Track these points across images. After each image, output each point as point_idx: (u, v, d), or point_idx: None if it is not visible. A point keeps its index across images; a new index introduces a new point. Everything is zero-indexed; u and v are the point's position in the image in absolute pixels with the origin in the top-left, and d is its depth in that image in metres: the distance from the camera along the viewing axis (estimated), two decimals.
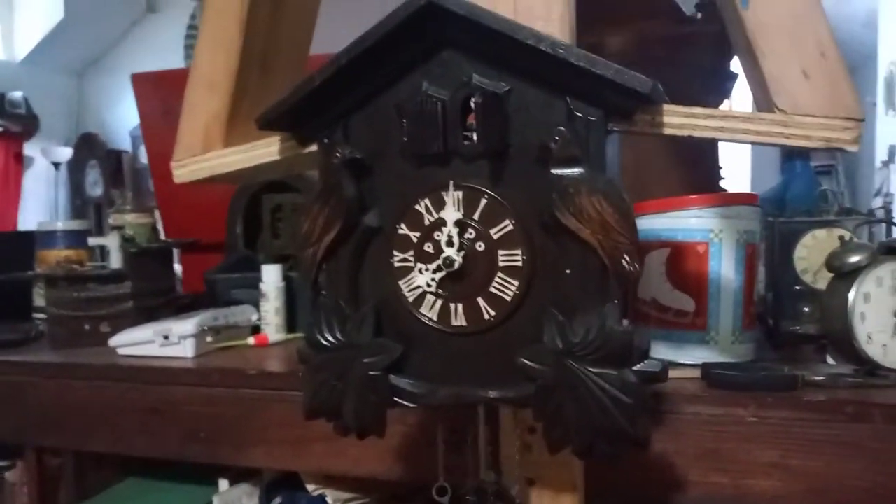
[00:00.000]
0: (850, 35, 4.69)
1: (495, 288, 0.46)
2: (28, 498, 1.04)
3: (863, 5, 4.45)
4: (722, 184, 1.10)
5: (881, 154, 4.37)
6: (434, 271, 0.47)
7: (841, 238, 0.78)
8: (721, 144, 1.06)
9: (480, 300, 0.47)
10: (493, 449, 0.59)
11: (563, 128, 0.42)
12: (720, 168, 1.08)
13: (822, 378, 0.69)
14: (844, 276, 0.73)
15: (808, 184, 1.02)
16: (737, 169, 4.74)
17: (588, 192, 0.41)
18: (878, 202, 4.24)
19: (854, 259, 0.72)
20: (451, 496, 0.58)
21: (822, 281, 0.80)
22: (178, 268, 1.46)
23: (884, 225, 0.94)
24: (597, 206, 0.41)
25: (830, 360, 0.78)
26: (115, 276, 1.06)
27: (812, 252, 0.85)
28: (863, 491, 0.63)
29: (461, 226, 0.46)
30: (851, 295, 0.71)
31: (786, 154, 1.07)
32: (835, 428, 0.64)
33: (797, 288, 0.86)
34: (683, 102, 0.44)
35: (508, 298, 0.46)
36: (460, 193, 0.46)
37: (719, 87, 1.01)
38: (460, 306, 0.47)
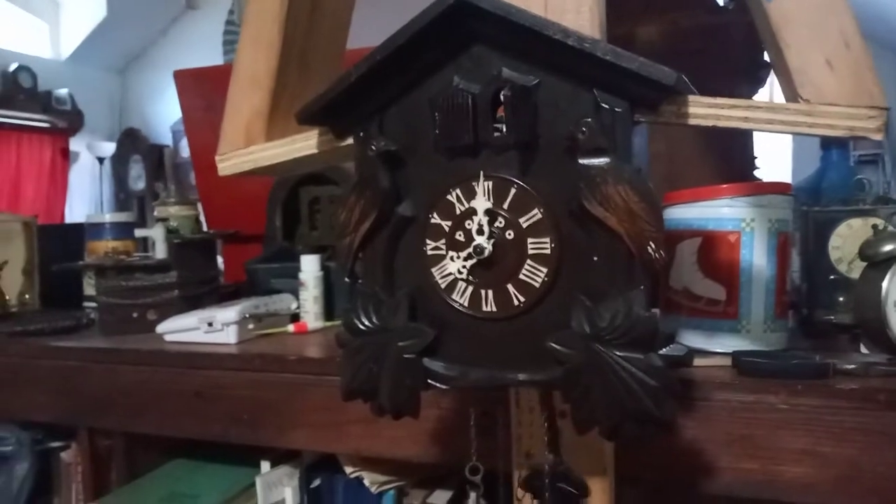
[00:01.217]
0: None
1: (524, 275, 0.48)
2: (82, 476, 1.09)
3: None
4: (757, 173, 1.09)
5: None
6: (465, 259, 0.48)
7: (874, 227, 0.78)
8: (760, 133, 1.05)
9: (510, 286, 0.48)
10: (553, 432, 0.60)
11: (590, 119, 0.43)
12: (754, 157, 1.07)
13: (854, 366, 0.68)
14: (878, 264, 0.72)
15: (845, 172, 1.01)
16: (778, 157, 4.65)
17: (614, 181, 0.43)
18: None
19: (887, 248, 0.71)
20: (482, 475, 0.59)
21: (857, 270, 0.80)
22: (219, 258, 1.51)
23: None
24: (623, 194, 0.43)
25: (864, 350, 0.78)
26: (161, 266, 1.10)
27: (847, 241, 0.84)
28: (894, 479, 0.63)
29: (491, 215, 0.48)
30: (885, 284, 0.71)
31: (823, 142, 1.05)
32: (866, 416, 0.64)
33: (832, 277, 0.86)
34: (717, 92, 0.44)
35: (537, 285, 0.48)
36: (490, 183, 0.47)
37: (753, 76, 1.00)
38: (490, 292, 0.49)
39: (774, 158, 4.59)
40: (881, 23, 4.55)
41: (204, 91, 1.43)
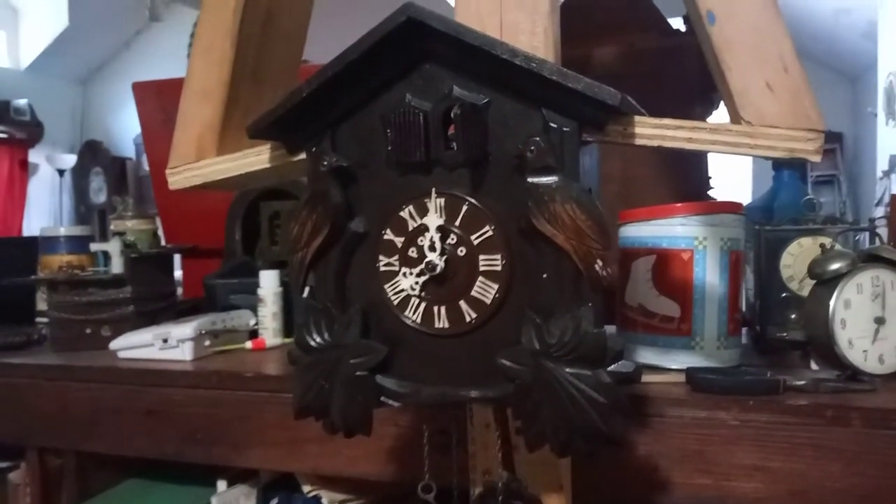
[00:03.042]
0: (851, 46, 4.71)
1: (476, 291, 0.48)
2: (31, 498, 1.06)
3: (863, 17, 4.48)
4: (712, 193, 1.11)
5: (882, 164, 4.38)
6: (417, 275, 0.48)
7: (822, 246, 0.80)
8: (718, 154, 1.07)
9: (462, 303, 0.48)
10: (506, 449, 0.60)
11: (538, 138, 0.44)
12: (709, 177, 1.09)
13: (803, 383, 0.70)
14: (826, 282, 0.74)
15: (796, 192, 1.03)
16: (738, 178, 4.77)
17: (562, 199, 0.43)
18: (879, 212, 4.25)
19: (835, 266, 0.73)
20: (435, 494, 0.59)
21: (808, 288, 0.81)
22: (178, 273, 1.48)
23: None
24: (570, 212, 0.43)
25: (814, 366, 0.79)
26: (116, 281, 1.08)
27: (798, 260, 0.86)
28: (841, 492, 0.64)
29: (443, 231, 0.48)
30: (832, 302, 0.72)
31: (775, 163, 1.08)
32: (815, 431, 0.65)
33: (784, 295, 0.88)
34: (671, 114, 0.45)
35: (488, 301, 0.48)
36: (442, 200, 0.48)
37: (707, 98, 1.03)
38: (443, 309, 0.49)
39: (735, 179, 4.70)
40: (835, 51, 4.72)
41: (163, 103, 1.41)
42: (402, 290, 0.50)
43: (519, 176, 0.45)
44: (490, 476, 0.62)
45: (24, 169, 5.74)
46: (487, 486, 0.60)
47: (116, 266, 1.12)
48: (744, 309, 0.91)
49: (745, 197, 1.02)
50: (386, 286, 0.50)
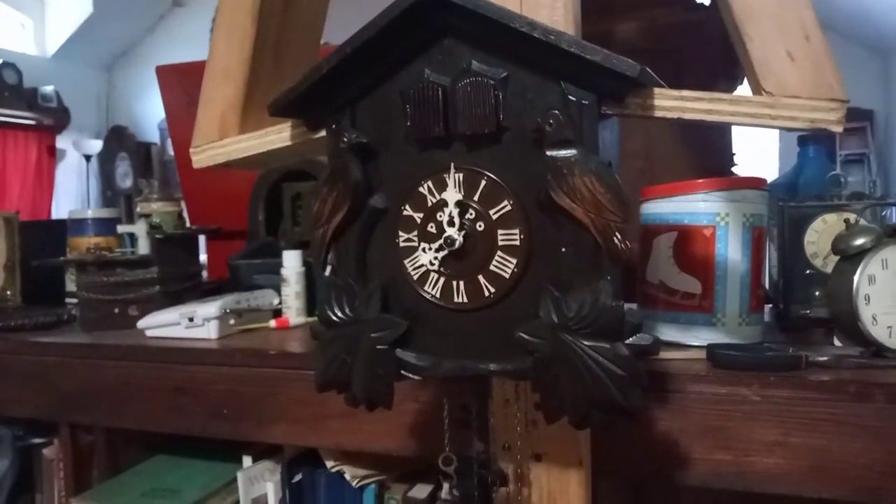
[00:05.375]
0: (883, 20, 4.59)
1: (495, 266, 0.48)
2: (64, 472, 1.09)
3: None
4: (736, 169, 1.10)
5: None
6: (437, 250, 0.49)
7: (847, 221, 0.79)
8: (745, 131, 1.06)
9: (481, 278, 0.49)
10: (482, 421, 0.61)
11: (557, 111, 0.44)
12: (733, 153, 1.08)
13: (826, 359, 0.69)
14: (850, 258, 0.73)
15: (821, 168, 1.02)
16: (765, 155, 4.70)
17: (581, 172, 0.43)
18: None
19: (859, 241, 0.72)
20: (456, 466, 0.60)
21: (832, 265, 0.81)
22: (203, 256, 1.50)
23: None
24: (589, 185, 0.43)
25: (838, 343, 0.79)
26: (143, 262, 1.10)
27: (822, 236, 0.85)
28: (863, 468, 0.64)
29: (462, 206, 0.48)
30: (856, 277, 0.72)
31: (800, 139, 1.07)
32: (837, 407, 0.65)
33: (808, 272, 0.87)
34: (694, 89, 0.45)
35: (507, 276, 0.48)
36: (461, 175, 0.48)
37: (730, 72, 1.01)
38: (462, 284, 0.49)
39: (761, 157, 4.64)
40: (870, 26, 4.60)
41: (186, 87, 1.42)
42: (422, 266, 0.50)
43: (538, 150, 0.45)
44: (510, 450, 0.63)
45: (52, 155, 5.83)
46: (461, 456, 0.61)
47: (143, 247, 1.14)
48: (766, 286, 0.90)
49: (771, 174, 1.00)
50: (405, 261, 0.51)
